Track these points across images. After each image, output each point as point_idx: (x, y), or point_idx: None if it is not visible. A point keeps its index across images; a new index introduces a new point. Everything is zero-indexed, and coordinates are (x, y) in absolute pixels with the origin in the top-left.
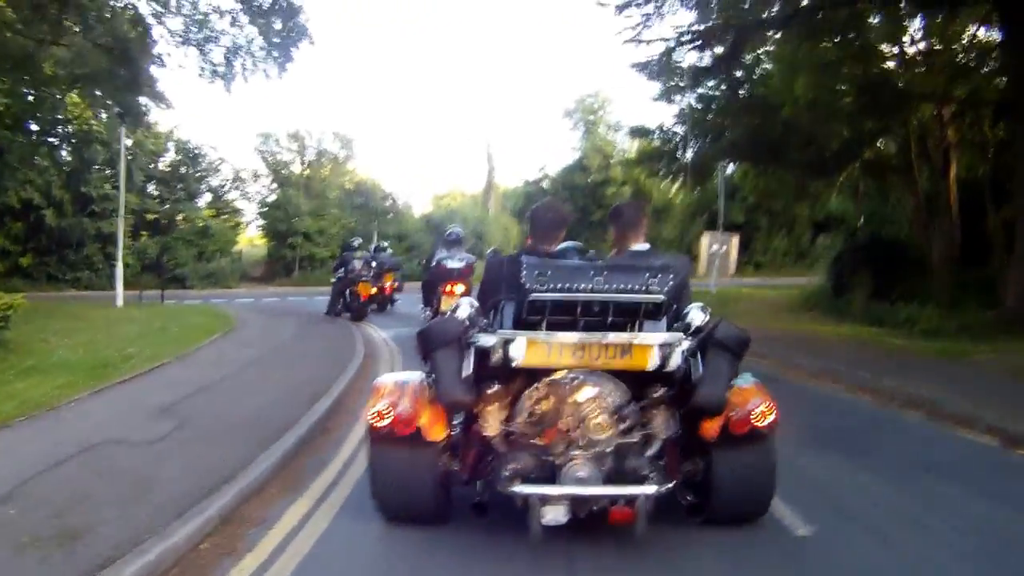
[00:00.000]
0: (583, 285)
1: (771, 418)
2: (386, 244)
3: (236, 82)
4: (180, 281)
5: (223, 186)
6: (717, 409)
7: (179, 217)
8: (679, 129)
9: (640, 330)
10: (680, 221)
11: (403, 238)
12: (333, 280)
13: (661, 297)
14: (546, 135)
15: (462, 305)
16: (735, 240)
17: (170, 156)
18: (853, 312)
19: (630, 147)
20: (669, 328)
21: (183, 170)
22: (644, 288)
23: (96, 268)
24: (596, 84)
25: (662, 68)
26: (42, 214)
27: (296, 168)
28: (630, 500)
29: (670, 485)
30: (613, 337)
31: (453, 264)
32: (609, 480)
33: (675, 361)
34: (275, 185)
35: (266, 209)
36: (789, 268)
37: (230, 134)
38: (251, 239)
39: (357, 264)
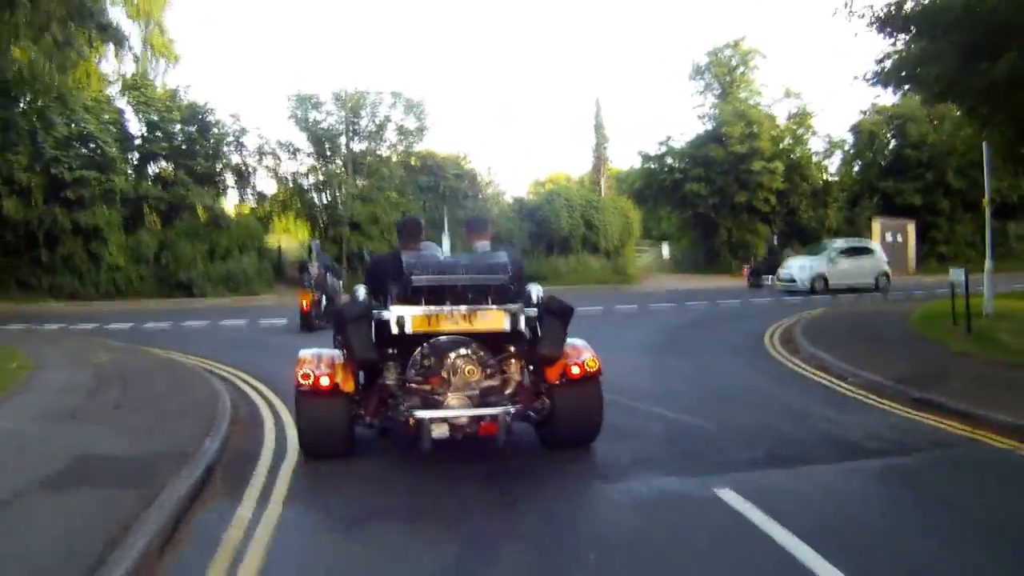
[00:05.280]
0: (450, 274)
1: (598, 364)
2: None
3: None
4: (186, 288)
5: (246, 164)
6: (556, 357)
7: (196, 205)
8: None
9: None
10: (844, 205)
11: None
12: None
13: (503, 279)
14: (665, 104)
15: (359, 290)
16: (911, 228)
17: (178, 129)
18: None
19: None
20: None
21: (196, 146)
22: (491, 274)
23: (79, 272)
24: (736, 32)
25: None
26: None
27: (343, 140)
28: (494, 418)
29: (520, 407)
30: (474, 308)
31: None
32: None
33: (522, 324)
34: (319, 162)
35: (304, 193)
36: (978, 261)
37: (263, 105)
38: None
39: None
